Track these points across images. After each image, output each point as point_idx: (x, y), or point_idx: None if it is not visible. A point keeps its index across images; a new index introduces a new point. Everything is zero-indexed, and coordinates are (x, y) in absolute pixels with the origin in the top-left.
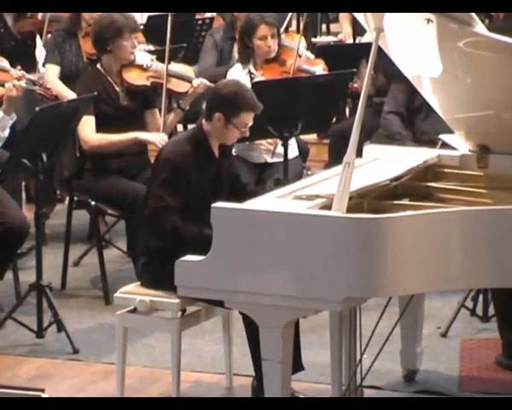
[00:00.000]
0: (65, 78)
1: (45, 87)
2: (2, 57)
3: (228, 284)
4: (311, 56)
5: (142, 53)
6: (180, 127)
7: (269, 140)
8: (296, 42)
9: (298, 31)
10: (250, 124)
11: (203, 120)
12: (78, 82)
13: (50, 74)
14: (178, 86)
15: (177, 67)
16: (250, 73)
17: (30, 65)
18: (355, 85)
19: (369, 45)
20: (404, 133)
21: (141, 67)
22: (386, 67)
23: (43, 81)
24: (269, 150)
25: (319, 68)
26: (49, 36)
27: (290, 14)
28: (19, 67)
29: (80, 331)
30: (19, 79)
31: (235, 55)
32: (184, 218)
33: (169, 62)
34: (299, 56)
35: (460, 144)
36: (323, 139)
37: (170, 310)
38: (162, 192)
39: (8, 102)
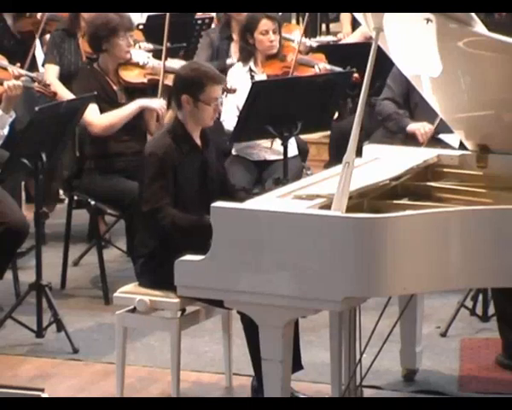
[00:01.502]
0: (64, 77)
1: (44, 84)
2: (1, 56)
3: (227, 284)
4: (313, 44)
5: (138, 51)
6: None
7: None
8: (293, 34)
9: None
10: (219, 97)
11: (177, 111)
12: (76, 81)
13: (50, 74)
14: None
15: (174, 64)
16: (251, 70)
17: (30, 64)
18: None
19: (368, 45)
20: (400, 112)
21: (137, 65)
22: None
23: (42, 78)
24: (267, 148)
25: (321, 64)
26: (48, 36)
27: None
28: (18, 65)
29: (80, 331)
30: (18, 77)
31: (232, 54)
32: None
33: (166, 59)
34: (300, 52)
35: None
36: (325, 138)
37: (169, 310)
38: (154, 188)
39: (7, 101)
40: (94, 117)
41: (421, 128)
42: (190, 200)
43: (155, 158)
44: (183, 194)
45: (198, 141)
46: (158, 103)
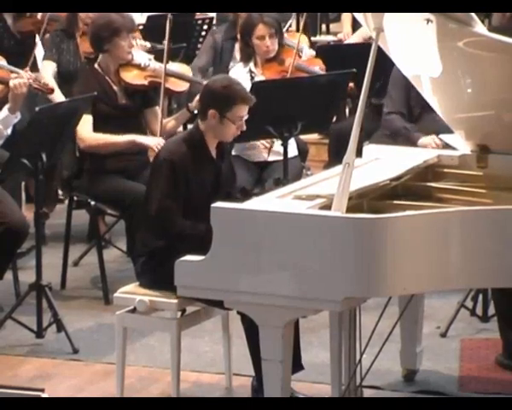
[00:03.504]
0: (63, 77)
1: (44, 83)
2: (1, 57)
3: (228, 284)
4: (313, 53)
5: (140, 52)
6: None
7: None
8: (296, 40)
9: (298, 30)
10: (245, 117)
11: (199, 121)
12: (76, 81)
13: (46, 71)
14: (176, 85)
15: (174, 67)
16: (250, 71)
17: (31, 65)
18: (350, 85)
19: (368, 45)
20: (408, 126)
21: (138, 67)
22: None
23: (40, 78)
24: (266, 148)
25: (317, 68)
26: (47, 35)
27: (293, 14)
28: (27, 69)
29: (80, 331)
30: (22, 76)
31: (237, 54)
32: (187, 219)
33: (167, 62)
34: (300, 56)
35: (460, 144)
36: (324, 139)
37: (169, 310)
38: (165, 195)
39: (14, 100)
40: (85, 134)
41: (432, 142)
42: (201, 210)
43: (169, 165)
44: (193, 203)
45: (214, 152)
46: (154, 141)
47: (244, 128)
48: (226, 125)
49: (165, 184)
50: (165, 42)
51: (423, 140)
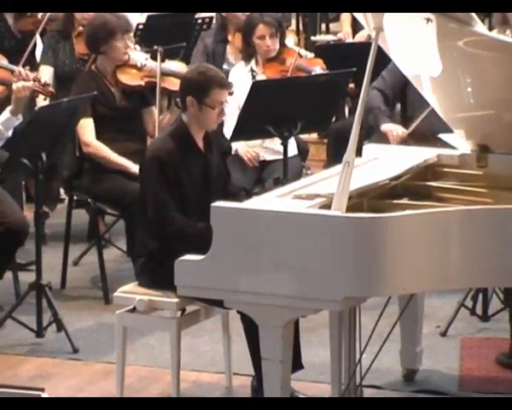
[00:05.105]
0: (58, 78)
1: (43, 84)
2: (1, 55)
3: (228, 284)
4: (311, 55)
5: (136, 52)
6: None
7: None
8: (292, 40)
9: (297, 30)
10: (224, 101)
11: (182, 113)
12: (74, 84)
13: (44, 76)
14: (173, 84)
15: (171, 65)
16: (252, 70)
17: (30, 64)
18: (351, 86)
19: (368, 45)
20: (382, 108)
21: (135, 67)
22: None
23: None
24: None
25: (317, 68)
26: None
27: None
28: (27, 67)
29: (80, 331)
30: (24, 78)
31: (229, 57)
32: (183, 215)
33: (163, 61)
34: (300, 56)
35: (460, 144)
36: (324, 139)
37: (169, 309)
38: (160, 196)
39: (17, 103)
40: (89, 138)
41: (393, 130)
42: (192, 202)
43: (157, 162)
44: (185, 196)
45: (201, 144)
46: None
47: (225, 114)
48: (206, 111)
49: (157, 184)
50: (157, 74)
51: (386, 126)
